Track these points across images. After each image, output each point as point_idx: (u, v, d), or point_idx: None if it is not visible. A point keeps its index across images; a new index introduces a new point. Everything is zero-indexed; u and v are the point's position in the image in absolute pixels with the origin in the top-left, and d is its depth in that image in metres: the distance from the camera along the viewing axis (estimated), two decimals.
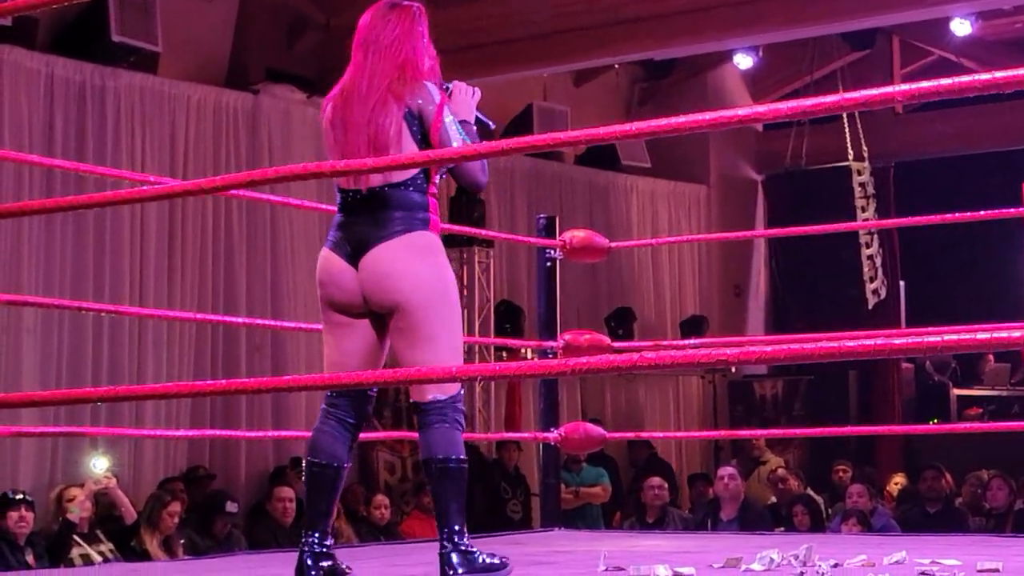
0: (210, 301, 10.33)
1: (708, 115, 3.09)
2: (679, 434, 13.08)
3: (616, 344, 7.05)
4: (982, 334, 2.73)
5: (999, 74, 2.89)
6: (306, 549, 4.13)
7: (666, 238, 13.18)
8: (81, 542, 8.33)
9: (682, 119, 3.25)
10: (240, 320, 8.10)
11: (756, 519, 10.19)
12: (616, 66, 13.67)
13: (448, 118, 4.26)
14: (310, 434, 4.30)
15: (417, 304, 4.14)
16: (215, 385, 3.63)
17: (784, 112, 3.11)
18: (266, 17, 11.38)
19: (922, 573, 4.11)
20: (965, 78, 2.91)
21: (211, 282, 10.48)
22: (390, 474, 11.44)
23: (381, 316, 4.21)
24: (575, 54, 11.08)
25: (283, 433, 9.54)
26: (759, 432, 12.42)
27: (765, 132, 15.22)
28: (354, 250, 4.16)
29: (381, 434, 10.08)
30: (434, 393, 4.14)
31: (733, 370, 14.00)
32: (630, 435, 10.37)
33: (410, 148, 4.19)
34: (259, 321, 8.38)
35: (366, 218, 4.17)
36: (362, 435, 4.50)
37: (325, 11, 11.55)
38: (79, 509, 8.35)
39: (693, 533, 8.53)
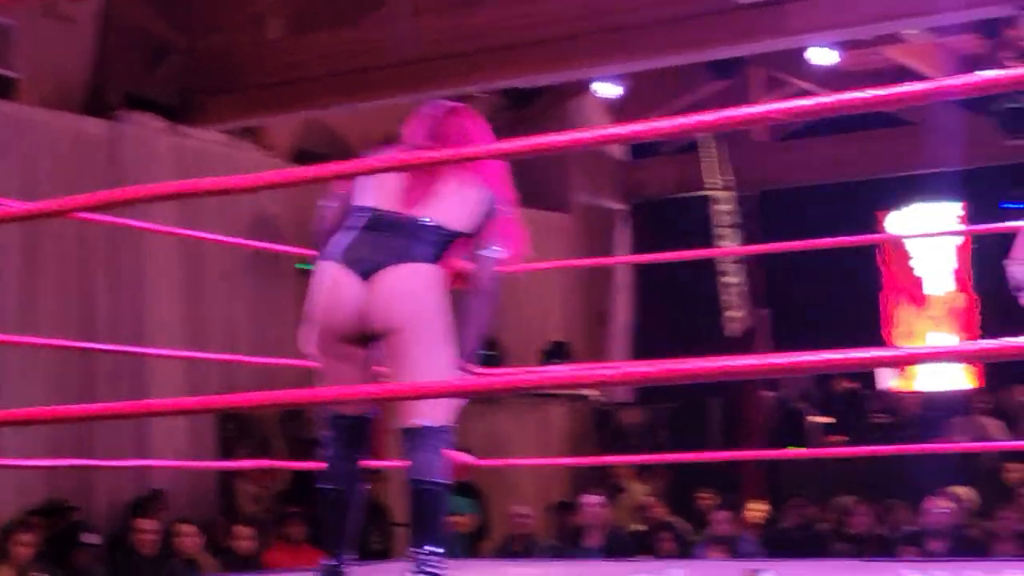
0: (70, 327, 10.12)
1: (588, 133, 3.07)
2: (544, 460, 13.06)
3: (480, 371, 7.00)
4: (831, 355, 2.74)
5: (874, 92, 2.90)
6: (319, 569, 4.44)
7: (531, 265, 13.16)
8: None
9: (546, 139, 3.23)
10: (101, 347, 7.94)
11: (621, 547, 10.20)
12: (479, 94, 13.67)
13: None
14: (176, 463, 4.56)
15: (413, 328, 4.30)
16: (75, 410, 3.52)
17: (665, 131, 3.10)
18: (127, 42, 11.21)
19: None
20: (843, 96, 2.92)
21: (72, 309, 10.27)
22: (253, 504, 11.28)
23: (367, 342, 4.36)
24: (440, 81, 11.05)
25: (144, 462, 9.36)
26: (622, 459, 12.44)
27: (627, 161, 15.31)
28: (370, 268, 4.34)
29: (244, 463, 9.94)
30: (416, 420, 4.28)
31: (598, 398, 14.04)
32: (497, 463, 10.31)
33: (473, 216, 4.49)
34: (121, 348, 8.21)
35: (389, 238, 4.37)
36: (223, 465, 4.77)
37: (187, 36, 11.41)
38: None
39: (560, 561, 8.50)
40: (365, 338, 4.35)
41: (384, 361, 4.35)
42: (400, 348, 4.27)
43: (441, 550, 4.19)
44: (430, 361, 4.26)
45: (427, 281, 4.32)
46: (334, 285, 4.36)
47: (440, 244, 4.43)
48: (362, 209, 4.44)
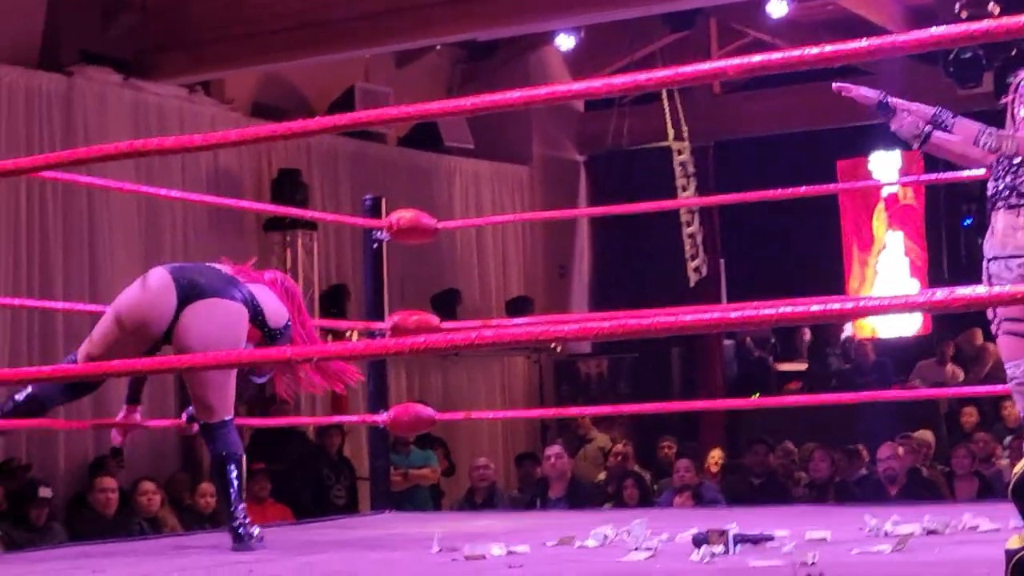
0: (25, 286, 10.06)
1: (544, 89, 3.08)
2: (506, 413, 13.09)
3: (445, 324, 7.02)
4: (791, 308, 2.77)
5: (827, 48, 2.92)
6: None
7: (491, 218, 13.18)
8: None
9: (507, 95, 3.23)
10: (58, 305, 7.89)
11: (584, 496, 10.26)
12: (438, 47, 13.63)
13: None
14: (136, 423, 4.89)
15: None
16: (31, 371, 3.51)
17: (617, 87, 3.11)
18: None
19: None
20: (794, 52, 2.94)
21: (26, 267, 10.20)
22: None
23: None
24: (398, 35, 11.01)
25: (104, 421, 9.32)
26: (585, 410, 12.48)
27: (586, 113, 15.30)
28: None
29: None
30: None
31: (558, 349, 14.07)
32: (459, 415, 10.35)
33: None
34: (77, 306, 8.15)
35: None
36: (183, 423, 5.09)
37: None
38: None
39: (524, 512, 8.55)
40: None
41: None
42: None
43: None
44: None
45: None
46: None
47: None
48: None
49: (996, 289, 3.29)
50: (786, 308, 2.81)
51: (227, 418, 5.09)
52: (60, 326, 10.24)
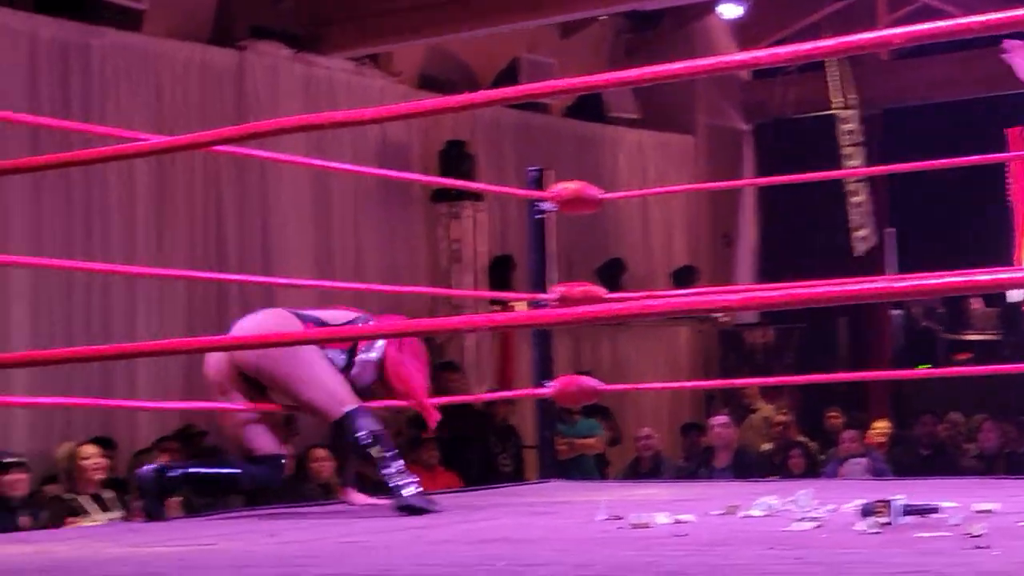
0: (201, 258, 10.30)
1: (710, 60, 3.09)
2: (672, 384, 13.08)
3: (609, 295, 7.05)
4: (958, 278, 2.75)
5: (994, 16, 2.90)
6: None
7: (657, 189, 13.16)
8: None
9: (672, 66, 3.25)
10: (232, 277, 8.04)
11: (750, 466, 10.23)
12: (602, 18, 13.63)
13: None
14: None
15: None
16: (207, 341, 3.62)
17: (782, 57, 3.11)
18: None
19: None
20: (961, 20, 2.92)
21: (202, 240, 10.44)
22: (385, 429, 11.45)
23: None
24: (563, 6, 11.05)
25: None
26: (751, 381, 12.45)
27: (751, 82, 15.20)
28: None
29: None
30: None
31: (724, 319, 14.03)
32: (624, 387, 10.37)
33: None
34: (251, 278, 8.34)
35: None
36: None
37: None
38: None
39: (689, 482, 8.55)
40: None
41: None
42: None
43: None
44: None
45: None
46: None
47: None
48: None
49: None
50: (953, 278, 2.79)
51: (347, 409, 5.12)
52: (234, 296, 10.48)
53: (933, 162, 6.74)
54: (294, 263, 10.77)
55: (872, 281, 6.77)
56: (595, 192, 6.69)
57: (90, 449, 8.40)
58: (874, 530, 3.86)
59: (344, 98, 11.25)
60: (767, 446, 11.41)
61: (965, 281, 2.79)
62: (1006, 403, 11.28)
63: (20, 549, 4.22)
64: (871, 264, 13.72)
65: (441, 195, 12.12)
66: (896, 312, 14.67)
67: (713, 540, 3.87)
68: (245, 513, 5.80)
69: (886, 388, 13.50)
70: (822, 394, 12.73)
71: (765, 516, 4.42)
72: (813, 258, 13.58)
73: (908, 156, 7.35)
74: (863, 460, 9.51)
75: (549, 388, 6.46)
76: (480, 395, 10.86)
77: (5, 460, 8.17)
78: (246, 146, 6.21)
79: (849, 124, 14.22)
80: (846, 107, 14.15)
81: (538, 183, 6.85)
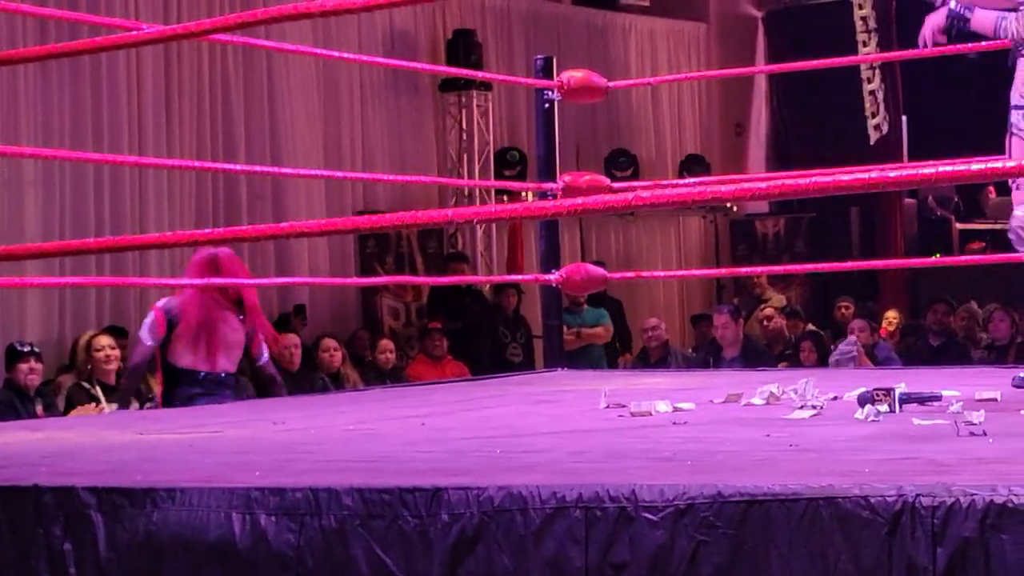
0: (209, 150, 10.30)
1: None
2: (680, 273, 13.09)
3: (615, 185, 7.04)
4: (976, 165, 2.73)
5: None
6: None
7: (665, 76, 13.08)
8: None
9: None
10: (240, 167, 8.05)
11: (759, 356, 10.24)
12: None
13: None
14: (318, 280, 4.76)
15: None
16: (216, 233, 3.63)
17: None
18: None
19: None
20: None
21: (209, 131, 10.43)
22: (394, 319, 11.51)
23: None
24: None
25: (286, 280, 9.56)
26: (760, 269, 12.40)
27: None
28: None
29: (384, 279, 10.09)
30: None
31: (734, 208, 14.00)
32: (631, 275, 10.38)
33: None
34: (258, 168, 8.35)
35: None
36: (365, 281, 4.95)
37: None
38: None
39: (695, 371, 8.58)
40: None
41: None
42: None
43: None
44: None
45: None
46: None
47: None
48: None
49: None
50: (965, 166, 2.76)
51: None
52: (243, 188, 10.50)
53: (946, 48, 6.64)
54: (301, 153, 10.76)
55: (887, 169, 6.73)
56: (601, 80, 6.66)
57: (104, 339, 8.43)
58: (873, 418, 3.88)
59: None
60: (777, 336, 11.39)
61: (978, 169, 2.76)
62: (1020, 293, 11.26)
63: (29, 436, 4.27)
64: (886, 152, 13.63)
65: (449, 84, 12.07)
66: (909, 201, 14.61)
67: (711, 427, 3.90)
68: (254, 400, 5.85)
69: (898, 278, 13.47)
70: (833, 284, 12.72)
71: (766, 404, 4.45)
72: (826, 147, 13.51)
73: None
74: (850, 348, 9.42)
75: (555, 275, 6.47)
76: (484, 277, 10.85)
77: (20, 348, 8.22)
78: (252, 36, 6.18)
79: (863, 11, 14.08)
80: None
81: (545, 72, 6.82)
